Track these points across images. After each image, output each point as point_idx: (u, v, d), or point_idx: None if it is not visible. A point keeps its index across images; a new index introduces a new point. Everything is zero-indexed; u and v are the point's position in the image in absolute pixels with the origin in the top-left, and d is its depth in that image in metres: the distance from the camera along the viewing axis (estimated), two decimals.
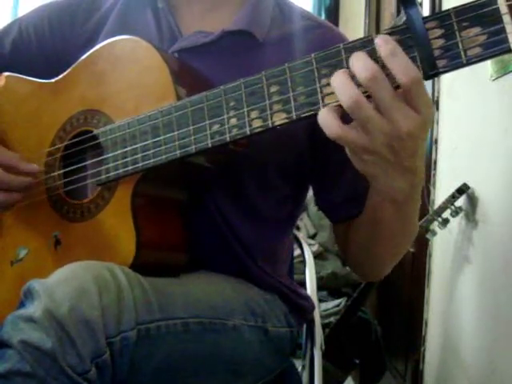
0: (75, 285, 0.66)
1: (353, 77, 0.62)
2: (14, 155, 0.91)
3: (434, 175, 1.99)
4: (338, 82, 0.63)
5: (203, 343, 0.81)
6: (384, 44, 0.61)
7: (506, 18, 0.56)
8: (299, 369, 1.14)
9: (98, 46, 0.90)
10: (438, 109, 1.97)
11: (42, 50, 1.03)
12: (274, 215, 0.98)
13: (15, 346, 0.61)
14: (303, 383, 1.11)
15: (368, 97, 0.62)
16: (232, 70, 0.91)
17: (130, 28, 0.96)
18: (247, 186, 0.93)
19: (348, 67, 0.63)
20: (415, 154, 0.67)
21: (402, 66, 0.60)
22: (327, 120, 0.64)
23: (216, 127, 0.73)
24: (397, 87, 0.62)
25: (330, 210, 0.99)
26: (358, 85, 0.62)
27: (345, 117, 0.64)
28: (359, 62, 0.62)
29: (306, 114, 0.67)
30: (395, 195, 0.73)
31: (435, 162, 1.99)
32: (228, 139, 0.73)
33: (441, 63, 0.60)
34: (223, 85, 0.74)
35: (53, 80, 0.95)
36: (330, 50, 0.66)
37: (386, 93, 0.61)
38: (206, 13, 0.98)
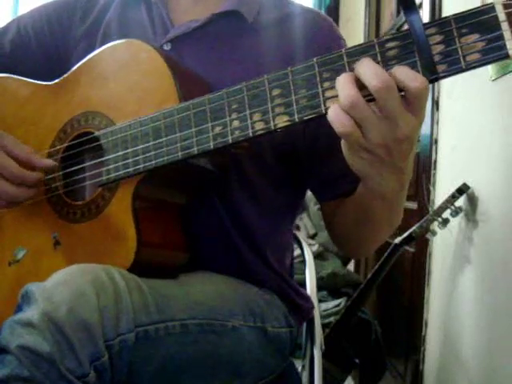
0: (73, 288, 0.66)
1: (357, 80, 0.63)
2: (28, 148, 0.90)
3: (434, 175, 1.99)
4: (341, 81, 0.64)
5: (202, 345, 0.81)
6: None
7: (504, 26, 0.57)
8: (299, 369, 1.14)
9: (100, 49, 0.90)
10: (437, 109, 1.97)
11: (41, 49, 1.04)
12: (274, 202, 0.99)
13: (13, 352, 0.61)
14: (303, 383, 1.11)
15: (370, 100, 0.63)
16: (224, 52, 0.93)
17: (127, 23, 0.98)
18: (247, 171, 0.93)
19: (352, 71, 0.64)
20: (408, 155, 0.69)
21: (410, 73, 0.61)
22: (338, 116, 0.64)
23: (218, 129, 0.74)
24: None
25: (318, 188, 1.00)
26: (362, 87, 0.63)
27: None
28: (370, 70, 0.62)
29: (308, 117, 0.68)
30: (385, 193, 0.75)
31: (435, 162, 1.99)
32: (230, 141, 0.73)
33: (441, 68, 0.61)
34: (226, 88, 0.74)
35: (53, 82, 0.95)
36: (332, 54, 0.66)
37: (395, 101, 0.62)
38: (196, 2, 1.00)
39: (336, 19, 3.72)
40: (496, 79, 1.50)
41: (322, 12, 1.06)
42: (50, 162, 0.89)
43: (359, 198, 0.83)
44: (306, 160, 0.97)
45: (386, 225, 0.88)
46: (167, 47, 0.93)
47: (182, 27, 0.95)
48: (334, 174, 0.94)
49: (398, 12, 2.70)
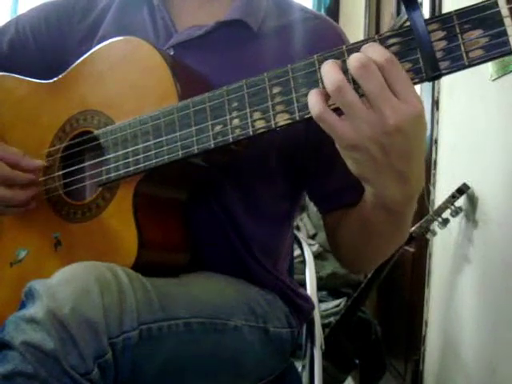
0: (77, 285, 0.66)
1: (342, 69, 0.63)
2: (17, 151, 0.89)
3: (434, 175, 1.99)
4: (325, 68, 0.63)
5: (205, 343, 0.81)
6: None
7: (507, 21, 0.57)
8: (299, 369, 1.14)
9: (97, 47, 0.90)
10: (437, 109, 1.98)
11: (39, 49, 1.03)
12: (274, 210, 0.98)
13: (17, 347, 0.61)
14: (303, 383, 1.11)
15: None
16: (228, 60, 0.92)
17: (127, 25, 0.97)
18: (249, 179, 0.93)
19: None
20: (409, 157, 0.65)
21: (378, 48, 0.61)
22: (312, 99, 0.64)
23: (218, 128, 0.73)
24: None
25: (320, 199, 0.99)
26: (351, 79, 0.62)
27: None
28: (352, 56, 0.62)
29: (309, 115, 0.67)
30: (388, 204, 0.72)
31: (435, 162, 1.99)
32: (231, 140, 0.73)
33: (443, 65, 0.60)
34: (226, 85, 0.74)
35: (51, 80, 0.95)
36: (334, 51, 0.66)
37: (376, 82, 0.61)
38: (200, 7, 0.99)
39: (336, 19, 3.72)
40: (496, 79, 1.50)
41: (327, 17, 1.04)
42: (39, 163, 0.90)
43: (362, 208, 0.81)
44: (310, 170, 0.97)
45: (389, 241, 0.86)
46: (170, 52, 0.93)
47: (185, 33, 0.94)
48: (336, 185, 0.93)
49: (398, 12, 2.69)
